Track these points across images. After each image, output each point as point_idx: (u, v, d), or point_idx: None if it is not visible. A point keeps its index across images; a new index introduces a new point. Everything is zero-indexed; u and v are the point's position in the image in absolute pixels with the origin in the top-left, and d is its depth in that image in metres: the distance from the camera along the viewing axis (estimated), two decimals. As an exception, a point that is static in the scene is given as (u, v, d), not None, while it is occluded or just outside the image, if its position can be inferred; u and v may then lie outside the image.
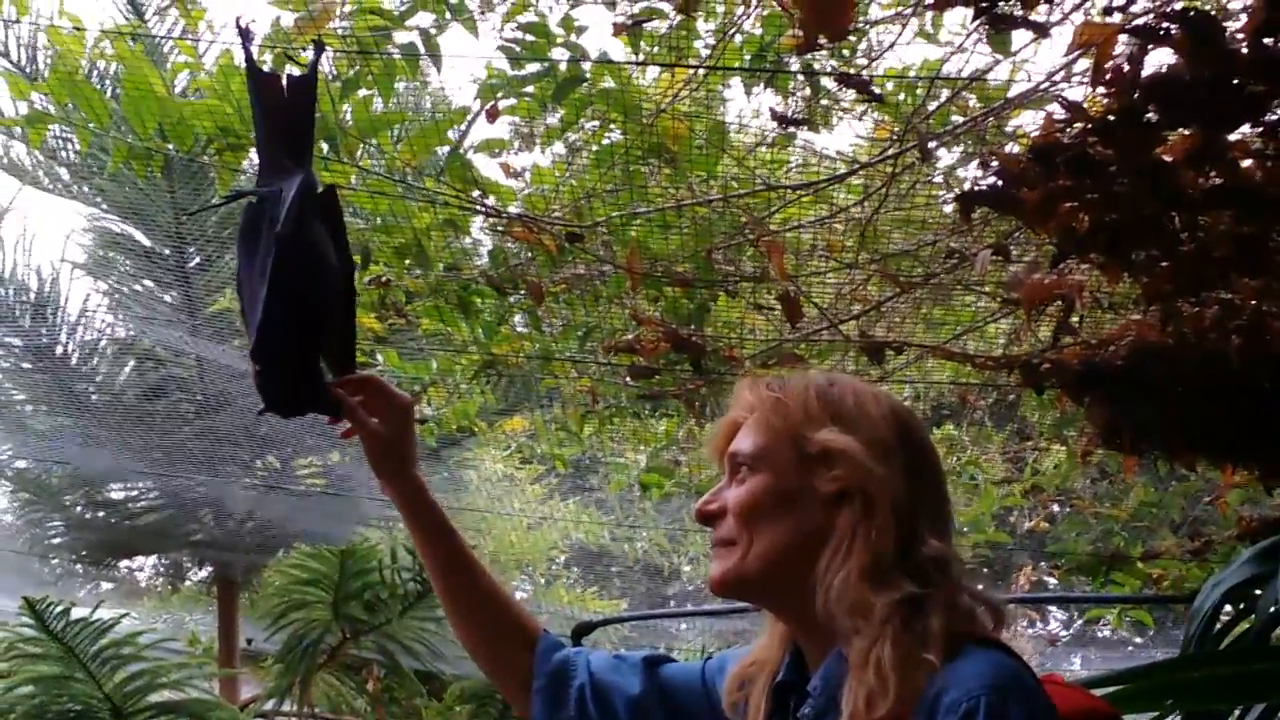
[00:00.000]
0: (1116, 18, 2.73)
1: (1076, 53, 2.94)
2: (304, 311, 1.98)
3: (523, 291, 4.40)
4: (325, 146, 3.71)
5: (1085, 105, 2.97)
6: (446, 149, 4.01)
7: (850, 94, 3.81)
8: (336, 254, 2.08)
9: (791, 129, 3.95)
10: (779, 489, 1.67)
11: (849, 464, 1.62)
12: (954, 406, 6.84)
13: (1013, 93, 3.79)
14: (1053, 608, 16.72)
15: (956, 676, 1.48)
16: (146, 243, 8.49)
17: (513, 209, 4.20)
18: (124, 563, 12.96)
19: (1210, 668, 2.90)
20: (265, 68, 2.24)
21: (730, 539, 1.69)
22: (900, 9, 3.75)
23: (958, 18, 3.77)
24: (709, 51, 3.77)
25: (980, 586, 1.66)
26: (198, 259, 8.07)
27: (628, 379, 4.82)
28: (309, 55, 2.23)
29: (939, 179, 4.09)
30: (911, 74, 3.87)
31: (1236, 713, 2.84)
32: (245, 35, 2.15)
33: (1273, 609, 2.92)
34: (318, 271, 2.01)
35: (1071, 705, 1.70)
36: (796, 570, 1.63)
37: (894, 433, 1.67)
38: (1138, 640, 13.58)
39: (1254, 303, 3.38)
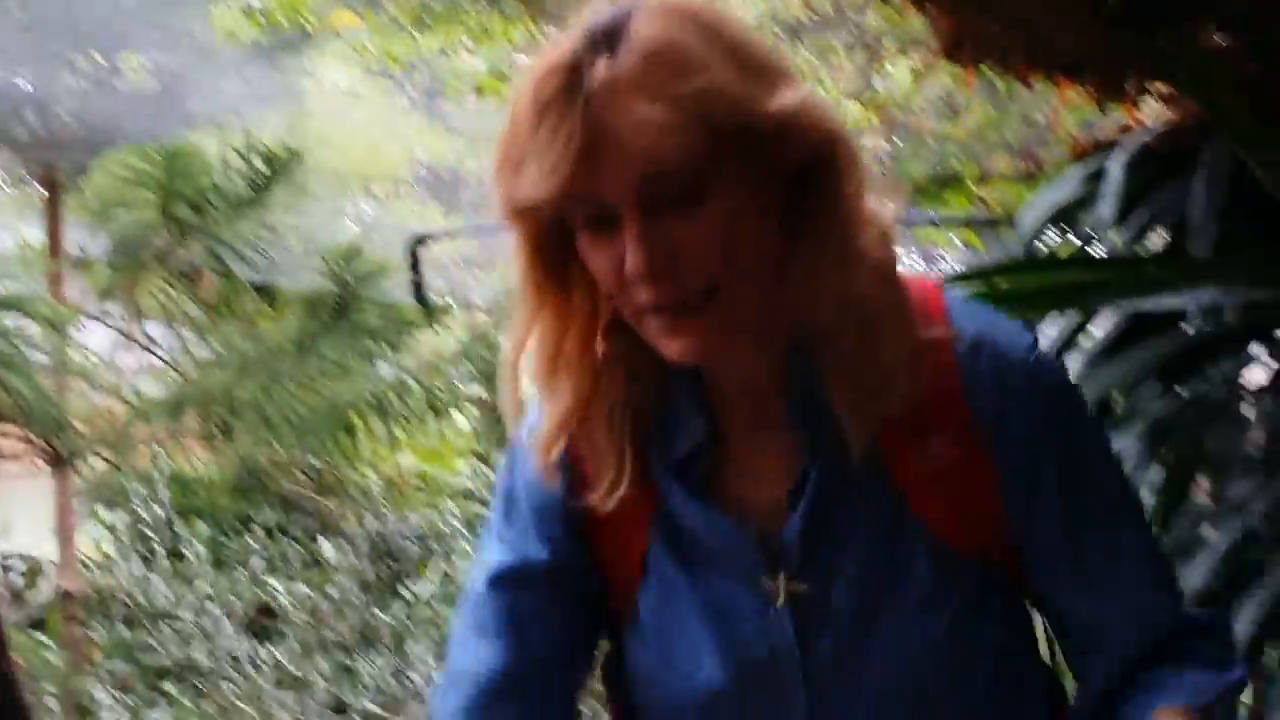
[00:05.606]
0: None
1: None
2: None
3: None
4: None
5: None
6: None
7: None
8: None
9: None
10: (738, 198, 1.25)
11: (800, 126, 1.24)
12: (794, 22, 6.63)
13: None
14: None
15: (974, 324, 1.36)
16: None
17: None
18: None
19: (1025, 275, 2.95)
20: None
21: (707, 288, 1.25)
22: None
23: None
24: None
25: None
26: None
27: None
28: None
29: None
30: None
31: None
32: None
33: (1089, 229, 2.94)
34: None
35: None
36: (768, 286, 1.30)
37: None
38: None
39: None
